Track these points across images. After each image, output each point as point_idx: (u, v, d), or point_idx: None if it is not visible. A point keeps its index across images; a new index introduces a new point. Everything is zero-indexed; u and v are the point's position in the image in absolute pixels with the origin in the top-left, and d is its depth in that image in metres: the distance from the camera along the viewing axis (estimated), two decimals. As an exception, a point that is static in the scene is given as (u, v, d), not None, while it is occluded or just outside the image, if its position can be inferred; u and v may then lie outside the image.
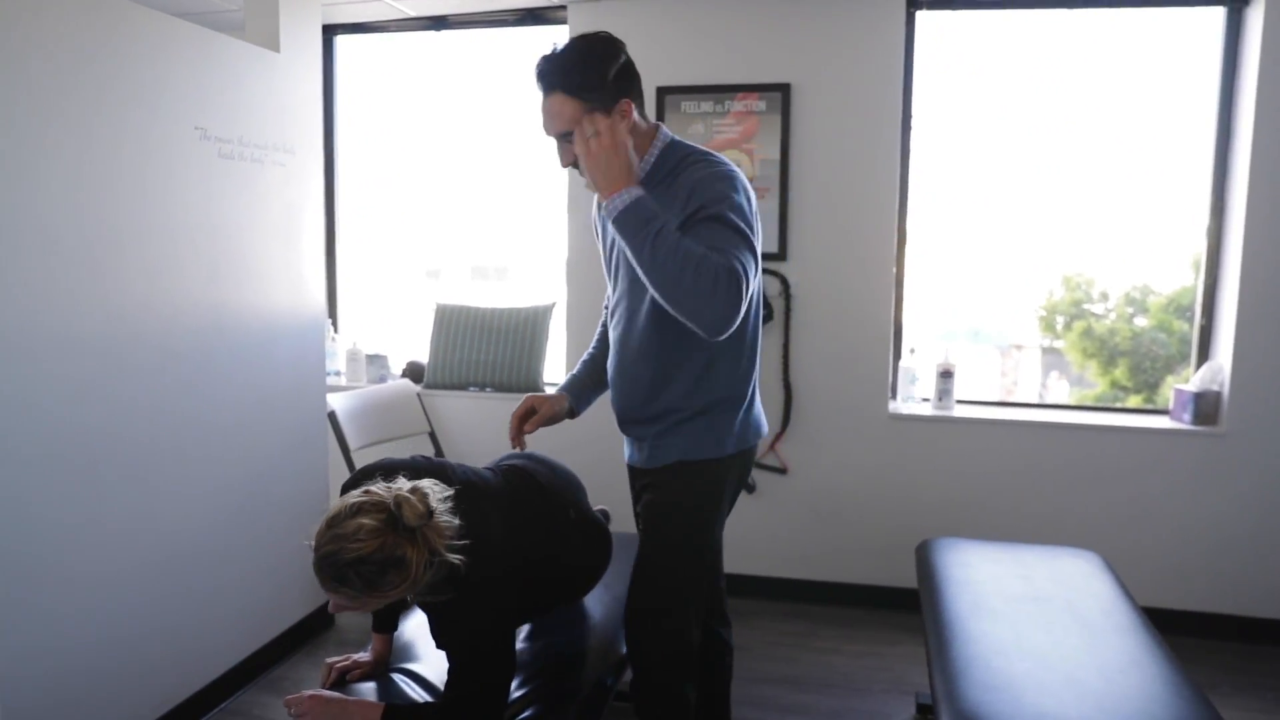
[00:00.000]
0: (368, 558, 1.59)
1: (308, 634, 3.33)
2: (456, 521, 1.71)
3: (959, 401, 3.61)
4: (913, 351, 3.63)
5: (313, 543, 1.65)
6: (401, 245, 4.57)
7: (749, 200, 1.88)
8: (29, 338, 2.15)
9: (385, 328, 4.37)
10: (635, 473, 2.18)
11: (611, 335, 2.12)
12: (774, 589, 3.71)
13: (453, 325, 4.01)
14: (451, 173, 4.34)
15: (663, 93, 3.57)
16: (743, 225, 1.79)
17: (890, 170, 3.44)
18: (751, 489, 3.65)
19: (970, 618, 2.27)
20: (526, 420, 2.18)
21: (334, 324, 4.24)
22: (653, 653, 2.06)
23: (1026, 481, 3.47)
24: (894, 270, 3.50)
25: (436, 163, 4.34)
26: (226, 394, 2.83)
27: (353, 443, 3.50)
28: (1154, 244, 3.73)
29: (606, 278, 2.15)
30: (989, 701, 1.86)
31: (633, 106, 1.90)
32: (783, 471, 3.64)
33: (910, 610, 3.55)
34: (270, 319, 3.04)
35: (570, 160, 1.92)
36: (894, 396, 3.63)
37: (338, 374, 4.15)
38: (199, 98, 2.65)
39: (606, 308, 2.22)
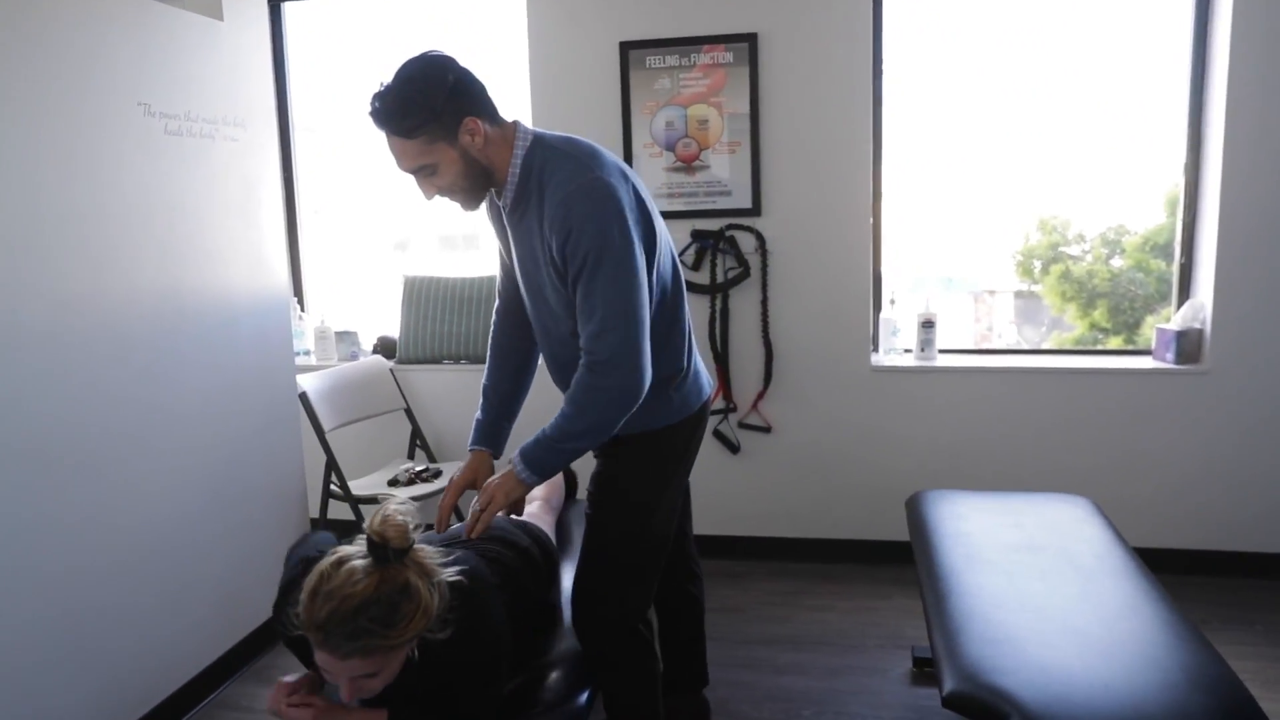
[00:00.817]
0: (373, 598, 1.49)
1: (291, 620, 3.25)
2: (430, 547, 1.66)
3: (941, 351, 3.55)
4: (893, 303, 3.57)
5: (305, 629, 1.52)
6: (366, 218, 4.44)
7: (623, 200, 1.77)
8: (-28, 332, 2.03)
9: (354, 304, 4.25)
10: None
11: (534, 325, 2.05)
12: (762, 549, 3.67)
13: (422, 298, 3.90)
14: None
15: (626, 48, 3.45)
16: (620, 266, 1.74)
17: (863, 119, 3.35)
18: (736, 449, 3.59)
19: (966, 570, 2.22)
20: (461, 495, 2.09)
21: (300, 302, 4.11)
22: (595, 638, 2.03)
23: (1013, 428, 3.44)
24: (870, 221, 3.42)
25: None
26: (189, 381, 2.72)
27: (326, 424, 3.40)
28: (1129, 184, 3.67)
29: (505, 273, 2.14)
30: (990, 656, 1.82)
31: (478, 122, 1.80)
32: (766, 430, 3.58)
33: (900, 563, 3.52)
34: (231, 300, 2.92)
35: (432, 194, 1.86)
36: (876, 349, 3.58)
37: (307, 353, 4.03)
38: (140, 72, 2.51)
39: (500, 296, 2.20)
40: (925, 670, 2.81)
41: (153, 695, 2.57)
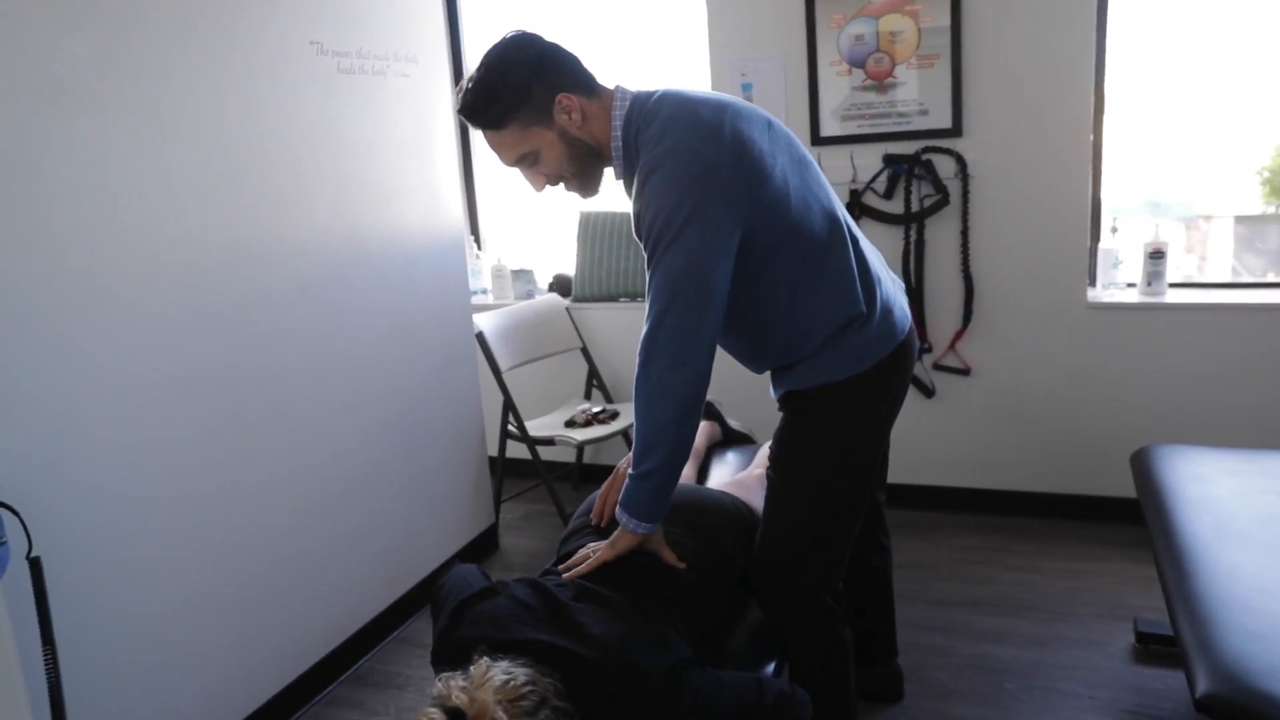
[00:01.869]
0: None
1: (472, 559, 3.25)
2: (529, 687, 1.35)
3: (1172, 285, 3.09)
4: (1115, 231, 3.13)
5: None
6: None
7: (707, 165, 1.53)
8: (153, 276, 2.03)
9: (530, 241, 4.17)
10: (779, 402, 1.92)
11: None
12: (958, 500, 3.37)
13: (598, 234, 3.76)
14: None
15: (812, -46, 3.12)
16: (684, 245, 1.52)
17: (1085, 21, 2.89)
18: (931, 393, 3.29)
19: (1216, 545, 1.88)
20: None
21: (476, 240, 4.07)
22: (777, 609, 1.83)
23: (1260, 375, 2.95)
24: (1090, 138, 2.98)
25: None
26: (367, 321, 2.70)
27: (503, 363, 3.35)
28: None
29: None
30: (1256, 654, 1.51)
31: (573, 98, 1.60)
32: (965, 372, 3.25)
33: (1117, 522, 3.15)
34: (407, 239, 2.87)
35: (542, 185, 1.69)
36: (1093, 283, 3.15)
37: (484, 292, 4.00)
38: (312, 10, 2.44)
39: None
40: (1152, 648, 2.47)
41: (339, 632, 2.61)
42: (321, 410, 2.52)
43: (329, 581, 2.55)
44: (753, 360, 1.86)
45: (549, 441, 3.32)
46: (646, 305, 1.60)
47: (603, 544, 1.73)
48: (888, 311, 1.77)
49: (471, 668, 1.34)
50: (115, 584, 1.94)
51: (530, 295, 3.91)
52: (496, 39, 1.64)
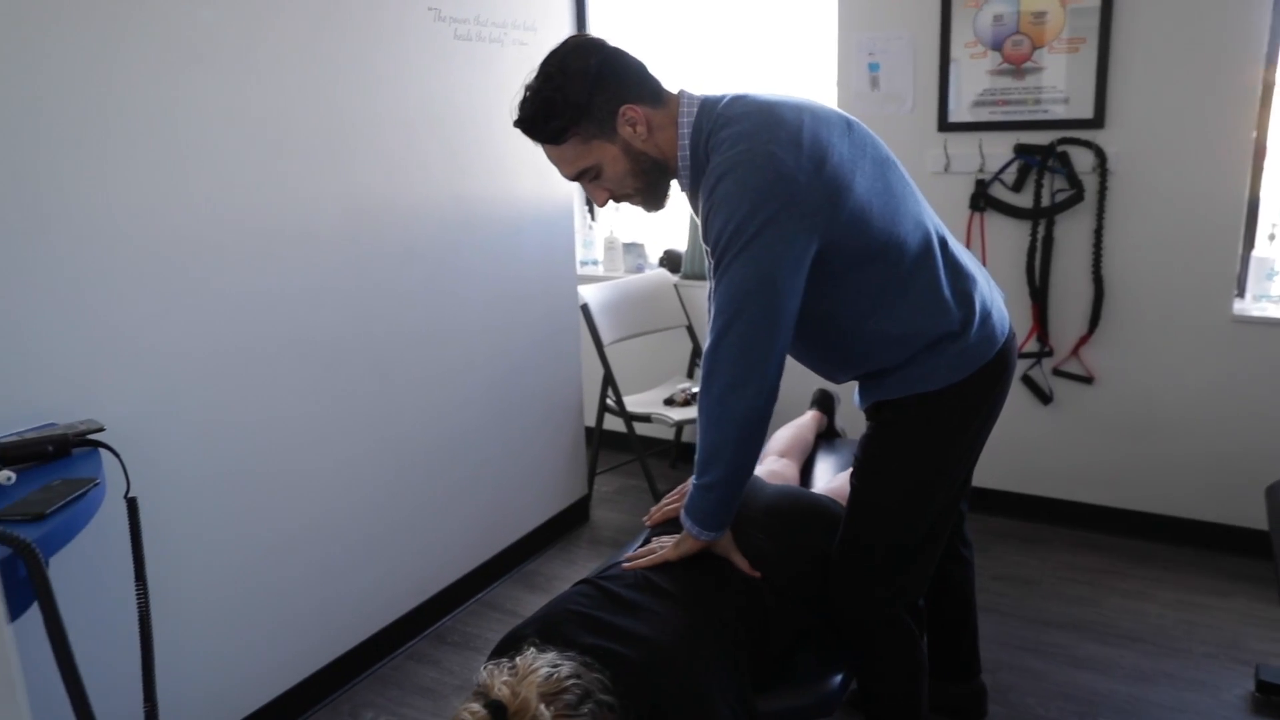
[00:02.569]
0: None
1: (562, 530, 3.27)
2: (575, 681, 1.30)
3: (1335, 302, 2.79)
4: (1273, 238, 2.84)
5: None
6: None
7: (783, 170, 1.40)
8: (268, 238, 2.09)
9: (643, 215, 4.12)
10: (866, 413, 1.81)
11: None
12: (1069, 514, 3.16)
13: (710, 212, 3.68)
14: (715, 40, 3.92)
15: (954, -72, 2.93)
16: (752, 254, 1.41)
17: (1255, 4, 2.61)
18: (1048, 399, 3.09)
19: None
20: None
21: (590, 211, 4.05)
22: (852, 627, 1.73)
23: None
24: (1254, 134, 2.70)
25: (699, 32, 3.94)
26: (473, 288, 2.72)
27: (606, 337, 3.33)
28: None
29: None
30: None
31: (638, 110, 1.50)
32: (1088, 380, 3.03)
33: (1245, 555, 2.90)
34: (517, 209, 2.87)
35: (604, 199, 1.56)
36: (1241, 294, 2.88)
37: (595, 263, 3.98)
38: (432, -26, 2.45)
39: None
40: (1274, 700, 2.26)
41: (425, 589, 2.66)
42: (423, 373, 2.56)
43: (420, 540, 2.60)
44: (833, 372, 1.75)
45: (645, 418, 3.29)
46: (710, 317, 1.51)
47: (668, 540, 1.68)
48: (986, 316, 1.64)
49: (518, 658, 1.32)
50: (209, 530, 2.02)
51: (640, 269, 3.87)
52: (558, 44, 1.54)
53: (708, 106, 1.53)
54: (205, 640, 2.04)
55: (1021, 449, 3.14)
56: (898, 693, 1.76)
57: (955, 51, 2.98)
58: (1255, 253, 2.86)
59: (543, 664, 1.31)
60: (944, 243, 1.62)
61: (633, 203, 1.61)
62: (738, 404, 1.48)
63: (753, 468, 1.59)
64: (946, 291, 1.59)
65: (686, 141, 1.53)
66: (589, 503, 3.43)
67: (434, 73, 2.49)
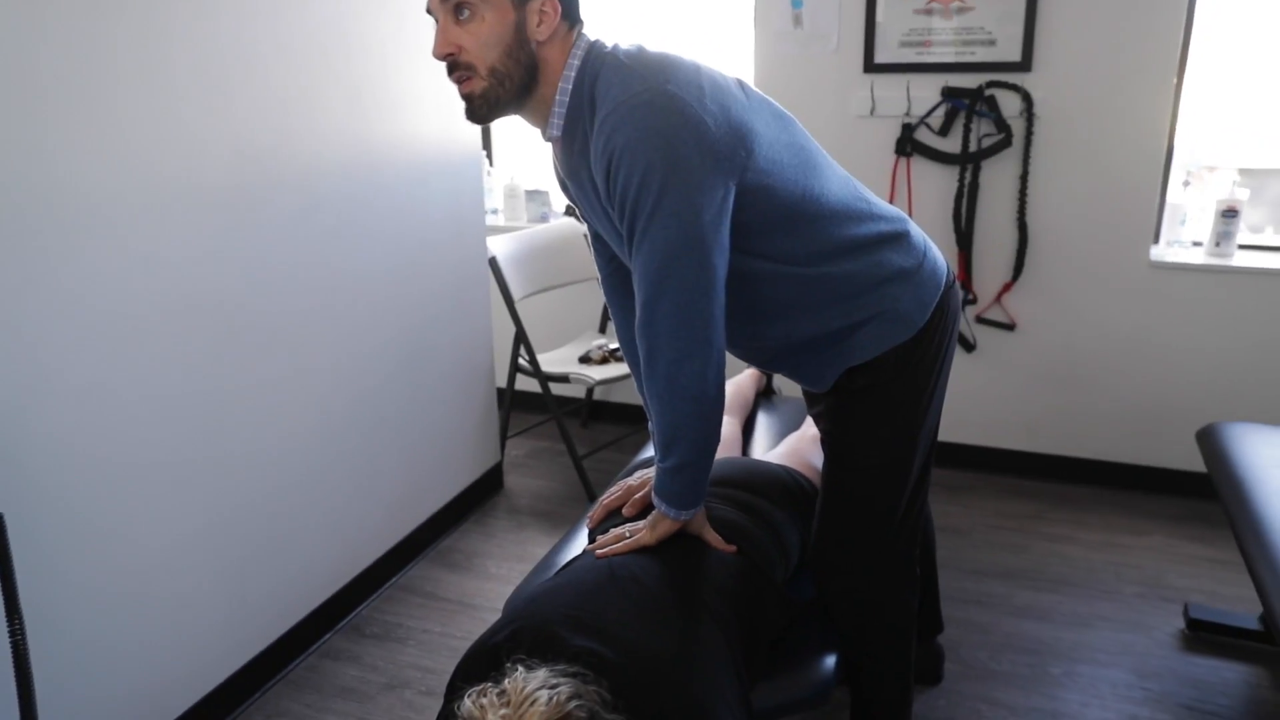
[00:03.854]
0: None
1: (475, 501, 3.03)
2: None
3: (1241, 247, 2.84)
4: (1186, 184, 2.86)
5: None
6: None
7: (693, 114, 1.23)
8: (150, 191, 1.74)
9: (545, 160, 3.85)
10: (808, 395, 1.67)
11: None
12: (993, 461, 3.16)
13: (619, 157, 3.45)
14: None
15: None
16: (680, 204, 1.24)
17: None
18: (972, 347, 3.05)
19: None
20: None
21: (488, 156, 3.75)
22: (857, 635, 1.63)
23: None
24: (1173, 82, 2.68)
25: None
26: (377, 242, 2.41)
27: (516, 292, 3.07)
28: None
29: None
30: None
31: (558, 9, 1.31)
32: (1010, 327, 3.01)
33: (1160, 494, 2.97)
34: (422, 153, 2.56)
35: (446, 49, 1.29)
36: (1156, 240, 2.90)
37: (494, 212, 3.69)
38: (324, -121, 2.10)
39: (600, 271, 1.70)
40: (1204, 636, 2.30)
41: (338, 576, 2.39)
42: (323, 339, 2.26)
43: (325, 523, 2.32)
44: (776, 350, 1.55)
45: (563, 379, 3.07)
46: (636, 285, 1.32)
47: (640, 525, 1.50)
48: (927, 246, 1.55)
49: (507, 682, 1.11)
50: (91, 539, 1.70)
51: (544, 219, 3.61)
52: None
53: (596, 48, 1.34)
54: (93, 665, 1.73)
55: (947, 397, 3.09)
56: (895, 664, 1.66)
57: (883, -12, 2.84)
58: (1169, 199, 2.87)
59: (537, 685, 1.11)
60: (866, 198, 1.50)
61: (470, 83, 1.31)
62: (688, 378, 1.32)
63: (718, 437, 1.42)
64: (884, 227, 1.47)
65: (571, 80, 1.32)
66: (501, 469, 3.20)
67: (327, 1, 2.15)
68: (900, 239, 1.49)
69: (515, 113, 1.37)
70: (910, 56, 2.86)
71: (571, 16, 1.34)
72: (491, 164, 3.75)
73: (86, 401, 1.66)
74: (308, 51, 2.11)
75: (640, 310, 1.32)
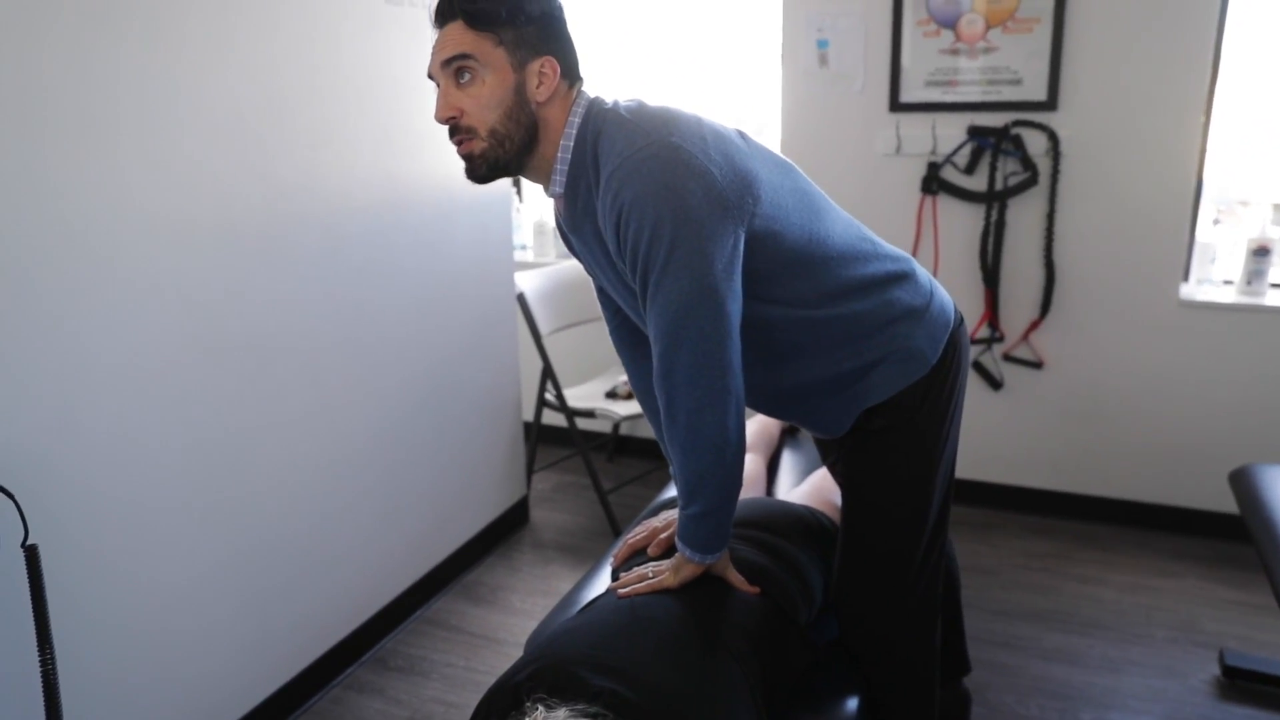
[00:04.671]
0: None
1: (501, 535, 3.02)
2: None
3: (1273, 285, 2.79)
4: (1217, 222, 2.82)
5: None
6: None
7: (699, 165, 1.24)
8: (181, 226, 1.77)
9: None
10: (821, 446, 1.68)
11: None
12: (1019, 500, 3.11)
13: (646, 194, 3.46)
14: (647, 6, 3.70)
15: (904, -100, 2.78)
16: (692, 255, 1.24)
17: (1207, -11, 2.56)
18: (999, 385, 3.01)
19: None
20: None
21: (518, 193, 3.78)
22: (881, 678, 1.62)
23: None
24: (1201, 120, 2.66)
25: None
26: (404, 278, 2.43)
27: (544, 327, 3.08)
28: None
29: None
30: None
31: (555, 66, 1.32)
32: (1037, 366, 2.97)
33: (1188, 535, 2.90)
34: (450, 191, 2.59)
35: (448, 113, 1.30)
36: (1186, 279, 2.86)
37: (524, 248, 3.72)
38: (360, -72, 2.14)
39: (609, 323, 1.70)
40: (1239, 684, 2.23)
41: (362, 610, 2.39)
42: (353, 373, 2.27)
43: (350, 556, 2.33)
44: (802, 400, 1.53)
45: (589, 414, 3.07)
46: (652, 337, 1.31)
47: (664, 565, 1.49)
48: (932, 285, 1.55)
49: None
50: (120, 572, 1.72)
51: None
52: None
53: (596, 105, 1.35)
54: (118, 698, 1.73)
55: (972, 435, 3.04)
56: (917, 706, 1.63)
57: (907, 29, 2.84)
58: (1199, 237, 2.83)
59: None
60: (870, 239, 1.50)
61: (471, 144, 1.32)
62: (708, 427, 1.31)
63: (740, 483, 1.41)
64: (891, 267, 1.48)
65: (572, 138, 1.33)
66: (527, 503, 3.19)
67: (360, 40, 2.19)
68: (907, 278, 1.50)
69: (517, 173, 1.38)
70: (936, 96, 2.86)
71: (571, 75, 1.35)
72: (520, 200, 3.78)
73: (112, 438, 1.68)
74: (337, 93, 2.14)
75: (658, 361, 1.31)
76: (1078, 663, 2.33)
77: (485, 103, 1.30)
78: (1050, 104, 2.76)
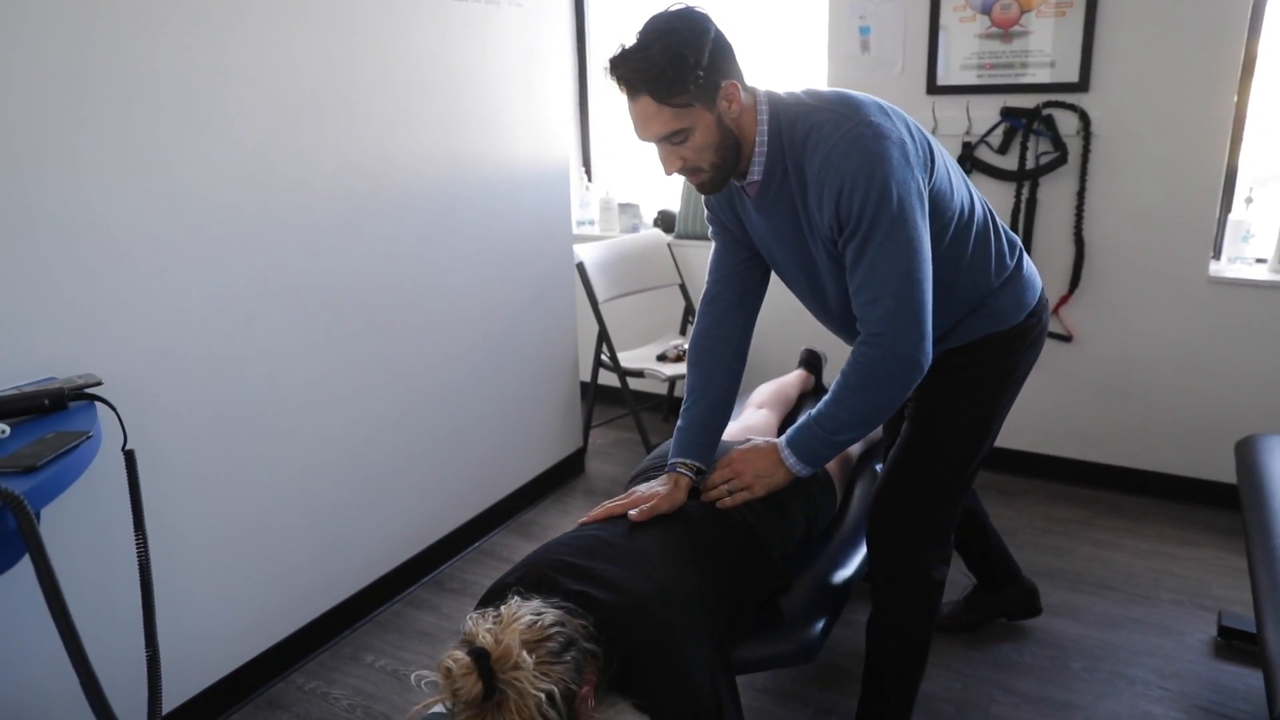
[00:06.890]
0: None
1: (557, 481, 3.24)
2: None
3: (1307, 264, 2.73)
4: (1249, 201, 2.78)
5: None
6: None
7: (896, 142, 1.42)
8: (264, 194, 2.02)
9: (639, 175, 4.04)
10: None
11: (818, 314, 1.76)
12: (1046, 468, 3.14)
13: (703, 173, 3.59)
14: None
15: (945, -109, 2.82)
16: (898, 222, 1.41)
17: (1243, -32, 2.52)
18: (1026, 358, 3.04)
19: (1317, 551, 1.66)
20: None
21: (587, 172, 3.97)
22: (890, 590, 1.77)
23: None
24: (1235, 99, 2.62)
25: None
26: (469, 247, 2.65)
27: (601, 294, 3.27)
28: None
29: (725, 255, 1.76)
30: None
31: (737, 88, 1.45)
32: (1067, 339, 2.99)
33: (1213, 507, 2.88)
34: (513, 169, 2.79)
35: (675, 167, 1.48)
36: (1217, 256, 2.82)
37: (591, 223, 3.91)
38: (427, -67, 2.35)
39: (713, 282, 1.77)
40: (1235, 644, 2.25)
41: (425, 537, 2.63)
42: (420, 328, 2.51)
43: (419, 489, 2.57)
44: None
45: (639, 374, 3.25)
46: (855, 282, 1.46)
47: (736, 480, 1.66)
48: (1023, 257, 1.76)
49: (503, 607, 1.28)
50: (208, 480, 1.98)
51: (635, 229, 3.80)
52: (660, 9, 1.44)
53: (774, 99, 1.52)
54: (207, 586, 2.02)
55: (1001, 405, 3.10)
56: (915, 629, 1.78)
57: (945, 15, 2.88)
58: (1232, 216, 2.79)
59: (526, 612, 1.28)
60: (994, 213, 1.72)
61: (699, 177, 1.51)
62: (903, 349, 1.47)
63: (889, 415, 1.57)
64: (1004, 240, 1.70)
65: (764, 133, 1.50)
66: (584, 455, 3.40)
67: (428, 32, 2.40)
68: (1015, 248, 1.73)
69: (734, 174, 1.56)
70: (971, 78, 2.90)
71: (743, 83, 1.49)
72: (590, 179, 3.97)
73: (204, 370, 1.94)
74: (408, 77, 2.36)
75: (865, 304, 1.46)
76: (1079, 618, 2.38)
77: (701, 149, 1.48)
78: (1082, 85, 2.76)
